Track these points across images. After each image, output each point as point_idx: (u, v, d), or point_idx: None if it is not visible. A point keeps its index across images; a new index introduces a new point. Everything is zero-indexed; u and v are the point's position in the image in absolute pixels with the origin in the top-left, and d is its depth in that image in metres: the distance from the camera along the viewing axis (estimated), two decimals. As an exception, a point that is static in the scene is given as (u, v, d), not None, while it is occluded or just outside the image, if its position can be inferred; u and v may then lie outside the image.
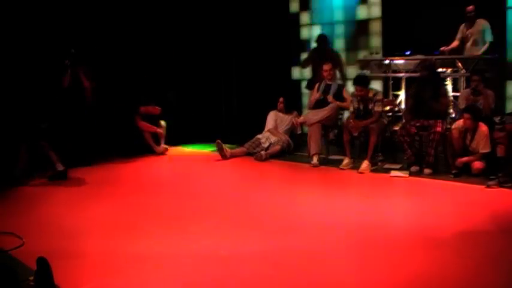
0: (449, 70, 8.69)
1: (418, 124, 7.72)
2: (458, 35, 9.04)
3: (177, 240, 5.14)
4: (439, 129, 7.48)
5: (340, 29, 10.71)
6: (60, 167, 7.82)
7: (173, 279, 4.26)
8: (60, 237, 5.27)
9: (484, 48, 8.63)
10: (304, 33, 11.25)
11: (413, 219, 5.67)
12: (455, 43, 9.01)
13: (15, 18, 8.59)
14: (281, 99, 9.77)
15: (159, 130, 9.67)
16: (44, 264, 3.66)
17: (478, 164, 7.25)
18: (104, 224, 5.69)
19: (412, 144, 7.75)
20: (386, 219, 5.72)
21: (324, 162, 8.56)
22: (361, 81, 8.07)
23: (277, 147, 9.23)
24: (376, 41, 10.17)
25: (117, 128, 9.33)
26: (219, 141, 9.13)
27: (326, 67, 8.81)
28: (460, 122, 7.46)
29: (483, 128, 7.22)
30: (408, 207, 6.19)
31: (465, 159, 7.29)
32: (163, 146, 9.67)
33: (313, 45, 10.64)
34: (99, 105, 9.03)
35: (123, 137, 9.38)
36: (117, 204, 6.51)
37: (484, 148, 7.18)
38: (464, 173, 7.31)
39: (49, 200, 6.83)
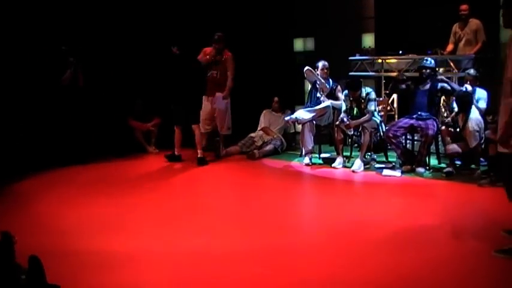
0: (441, 70, 8.70)
1: (406, 125, 7.75)
2: (452, 38, 9.07)
3: (169, 239, 5.13)
4: (431, 132, 7.50)
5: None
6: None
7: (166, 277, 4.26)
8: (53, 236, 5.26)
9: (477, 47, 8.66)
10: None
11: (405, 219, 5.67)
12: (450, 46, 9.03)
13: (16, 16, 8.60)
14: (276, 99, 9.78)
15: (152, 128, 9.66)
16: (36, 263, 3.65)
17: (451, 147, 7.36)
18: (97, 223, 5.68)
19: (399, 145, 7.78)
20: (377, 218, 5.74)
21: (316, 161, 8.58)
22: (353, 86, 8.05)
23: (270, 146, 9.24)
24: (369, 40, 10.17)
25: (109, 126, 9.29)
26: (218, 139, 9.14)
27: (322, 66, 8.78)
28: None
29: (473, 122, 7.22)
30: (400, 207, 6.20)
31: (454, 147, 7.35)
32: (153, 148, 9.63)
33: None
34: (91, 104, 9.02)
35: (114, 135, 9.34)
36: (110, 203, 6.48)
37: (471, 144, 7.18)
38: (456, 172, 7.35)
39: (42, 198, 6.80)
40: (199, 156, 8.61)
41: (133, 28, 9.69)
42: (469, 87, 7.66)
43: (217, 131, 9.30)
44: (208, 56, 8.93)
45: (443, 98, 8.28)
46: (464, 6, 8.81)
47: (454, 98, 7.77)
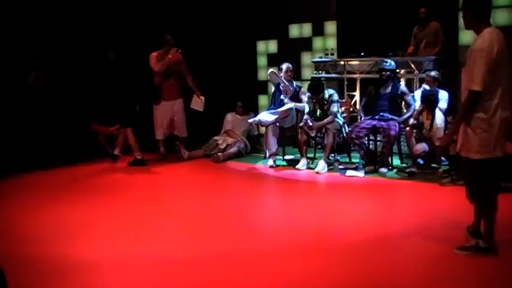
0: (403, 71, 8.82)
1: (369, 126, 7.82)
2: (413, 40, 9.25)
3: (134, 244, 5.09)
4: (393, 132, 7.57)
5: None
6: None
7: (130, 283, 4.22)
8: (17, 242, 5.19)
9: (436, 49, 8.81)
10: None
11: (369, 220, 5.72)
12: (410, 48, 9.21)
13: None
14: (240, 104, 9.78)
15: (115, 132, 9.50)
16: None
17: (418, 148, 7.44)
18: (59, 229, 5.59)
19: (362, 146, 7.84)
20: (342, 220, 5.78)
21: (280, 162, 8.60)
22: (316, 90, 8.08)
23: (234, 149, 9.23)
24: (331, 43, 10.25)
25: (71, 131, 9.13)
26: (178, 142, 9.09)
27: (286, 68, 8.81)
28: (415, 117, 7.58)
29: (439, 119, 7.32)
30: (364, 208, 6.24)
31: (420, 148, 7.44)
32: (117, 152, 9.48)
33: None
34: (55, 108, 8.90)
35: (77, 140, 9.19)
36: (74, 208, 6.38)
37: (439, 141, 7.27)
38: (418, 172, 7.45)
39: (4, 204, 6.69)
40: (139, 158, 8.81)
41: (94, 33, 9.55)
42: (427, 88, 7.78)
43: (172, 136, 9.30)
44: (171, 55, 8.84)
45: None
46: (423, 10, 8.99)
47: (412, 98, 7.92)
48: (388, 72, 7.93)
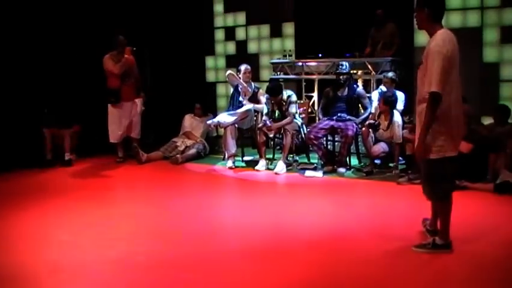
0: (360, 72, 8.92)
1: (327, 127, 7.88)
2: (370, 41, 9.37)
3: (92, 248, 5.00)
4: (350, 132, 7.65)
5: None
6: None
7: (89, 287, 4.15)
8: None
9: (393, 50, 8.93)
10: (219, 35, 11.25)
11: (328, 219, 5.74)
12: (368, 50, 9.31)
13: None
14: (198, 106, 9.72)
15: (69, 135, 9.21)
16: None
17: (376, 149, 7.58)
18: (12, 236, 5.44)
19: (320, 146, 7.90)
20: (302, 219, 5.79)
21: (239, 164, 8.60)
22: (274, 92, 8.11)
23: (193, 151, 9.18)
24: (289, 44, 10.29)
25: (20, 136, 8.83)
26: (136, 145, 8.99)
27: (245, 70, 8.80)
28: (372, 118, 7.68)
29: (397, 118, 7.43)
30: (323, 207, 6.27)
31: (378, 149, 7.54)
32: (68, 155, 9.17)
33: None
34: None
35: (27, 145, 8.88)
36: (28, 214, 6.19)
37: (399, 139, 7.38)
38: (376, 171, 7.55)
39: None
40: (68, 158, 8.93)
41: (42, 38, 9.32)
42: (384, 89, 7.90)
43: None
44: (127, 55, 8.88)
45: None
46: (379, 11, 9.13)
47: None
48: (345, 76, 8.02)
